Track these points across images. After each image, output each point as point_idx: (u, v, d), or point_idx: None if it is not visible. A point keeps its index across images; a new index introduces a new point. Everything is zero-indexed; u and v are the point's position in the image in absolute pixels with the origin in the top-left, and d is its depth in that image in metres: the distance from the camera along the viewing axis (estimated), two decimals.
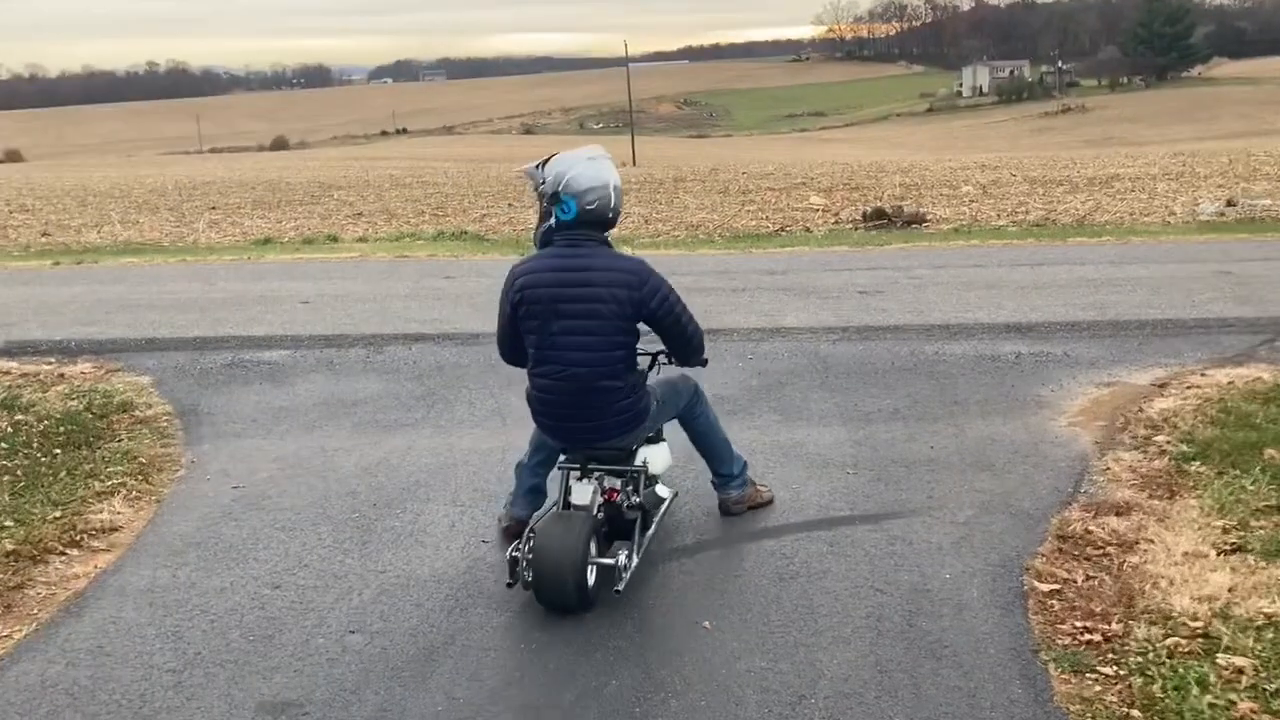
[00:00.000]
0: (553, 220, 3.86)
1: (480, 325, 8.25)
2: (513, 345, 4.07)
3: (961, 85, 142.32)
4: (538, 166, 3.91)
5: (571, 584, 3.64)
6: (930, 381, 6.60)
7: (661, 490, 4.46)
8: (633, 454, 4.14)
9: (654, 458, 4.26)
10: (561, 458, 4.12)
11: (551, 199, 3.83)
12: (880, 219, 15.78)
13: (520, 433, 4.93)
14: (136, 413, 6.38)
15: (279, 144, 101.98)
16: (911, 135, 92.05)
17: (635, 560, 3.95)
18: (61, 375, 7.30)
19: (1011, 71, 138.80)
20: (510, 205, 22.19)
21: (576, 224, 3.83)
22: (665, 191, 25.24)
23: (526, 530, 3.79)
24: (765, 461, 5.21)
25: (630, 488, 4.09)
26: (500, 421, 6.06)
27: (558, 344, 3.86)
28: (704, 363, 4.25)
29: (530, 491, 4.38)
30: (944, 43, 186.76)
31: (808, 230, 15.54)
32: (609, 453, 4.02)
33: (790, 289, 9.58)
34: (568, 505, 3.93)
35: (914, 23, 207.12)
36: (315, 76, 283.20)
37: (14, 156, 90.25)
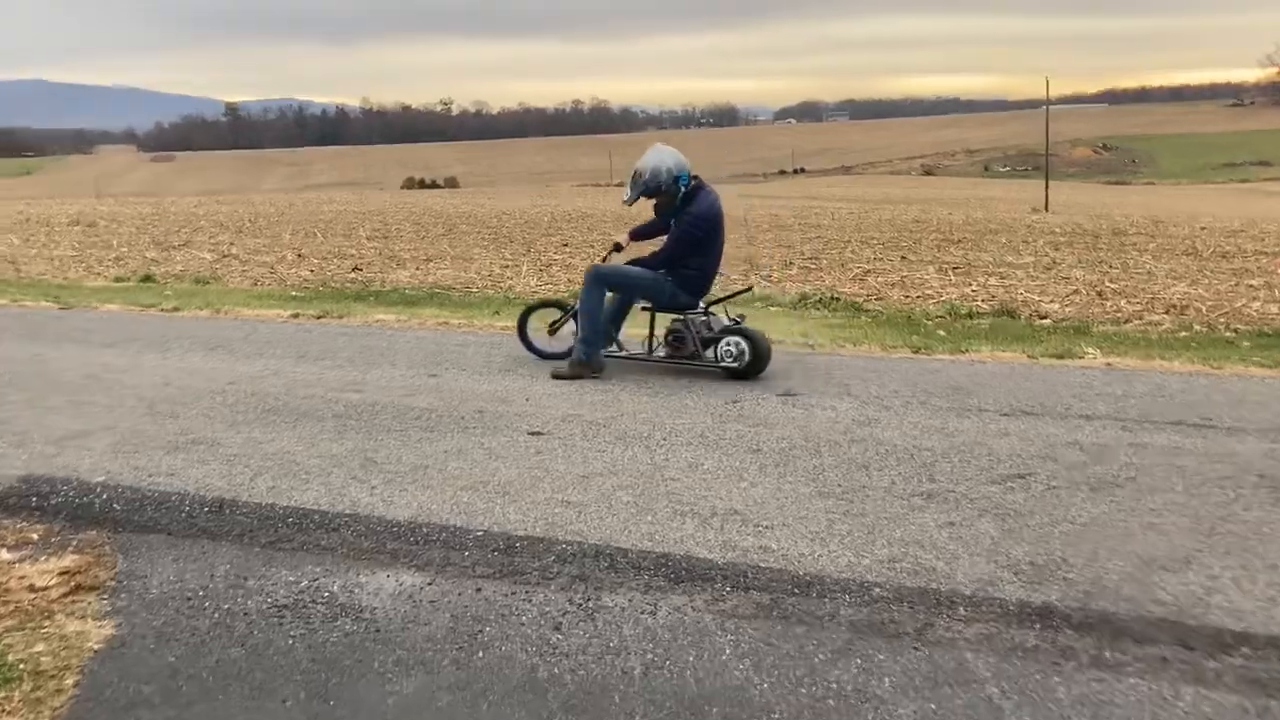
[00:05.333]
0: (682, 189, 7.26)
1: (848, 558, 3.93)
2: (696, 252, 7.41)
3: None
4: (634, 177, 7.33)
5: (767, 358, 7.07)
6: None
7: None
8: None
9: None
10: (700, 305, 7.26)
11: (672, 180, 7.19)
12: None
13: None
14: None
15: None
16: None
17: None
18: None
19: None
20: (904, 259, 17.52)
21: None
22: (1108, 248, 19.50)
23: (737, 335, 7.05)
24: None
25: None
26: None
27: (723, 248, 7.43)
28: None
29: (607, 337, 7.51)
30: None
31: None
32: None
33: None
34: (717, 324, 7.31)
35: None
36: (723, 116, 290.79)
37: (451, 183, 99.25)
